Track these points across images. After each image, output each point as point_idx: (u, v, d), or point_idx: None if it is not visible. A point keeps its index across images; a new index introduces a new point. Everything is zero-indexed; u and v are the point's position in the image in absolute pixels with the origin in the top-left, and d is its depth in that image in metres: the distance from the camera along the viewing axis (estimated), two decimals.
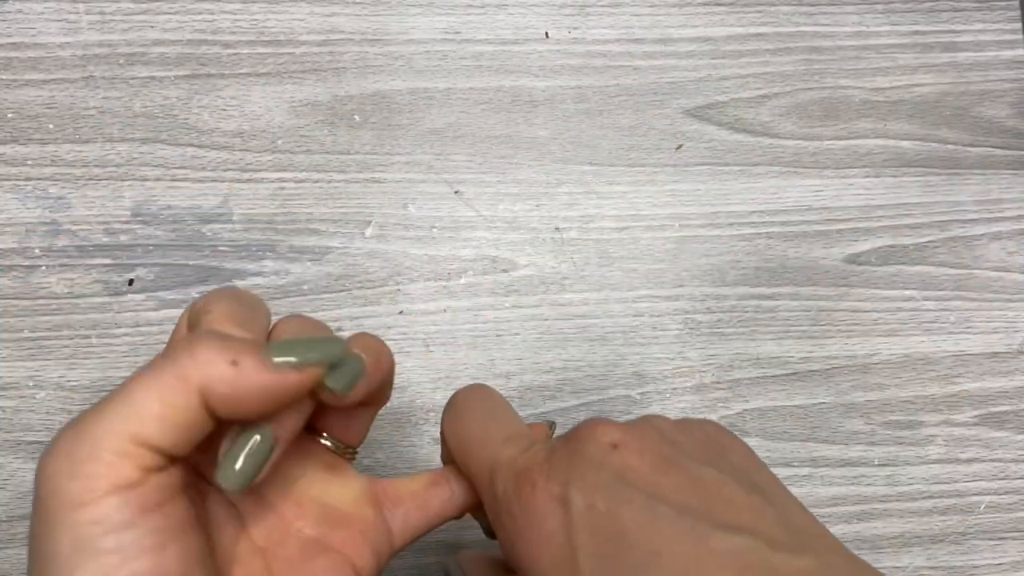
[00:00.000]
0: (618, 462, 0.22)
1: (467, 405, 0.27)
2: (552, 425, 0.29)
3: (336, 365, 0.22)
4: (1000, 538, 0.39)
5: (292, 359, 0.21)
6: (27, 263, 0.37)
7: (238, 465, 0.21)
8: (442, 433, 0.27)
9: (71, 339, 0.36)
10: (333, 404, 0.23)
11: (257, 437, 0.21)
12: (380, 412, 0.37)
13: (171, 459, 0.20)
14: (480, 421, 0.26)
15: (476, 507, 0.27)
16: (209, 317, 0.22)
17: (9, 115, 0.38)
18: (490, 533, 0.26)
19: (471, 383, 0.29)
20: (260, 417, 0.21)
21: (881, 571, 0.22)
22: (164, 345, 0.36)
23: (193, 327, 0.23)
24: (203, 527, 0.22)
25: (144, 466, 0.20)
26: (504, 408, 0.27)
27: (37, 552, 0.19)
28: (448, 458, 0.27)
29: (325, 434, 0.26)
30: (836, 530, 0.38)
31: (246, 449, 0.21)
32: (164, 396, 0.20)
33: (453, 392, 0.28)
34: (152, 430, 0.20)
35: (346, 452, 0.26)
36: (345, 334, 0.38)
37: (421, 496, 0.26)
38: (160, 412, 0.20)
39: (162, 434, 0.20)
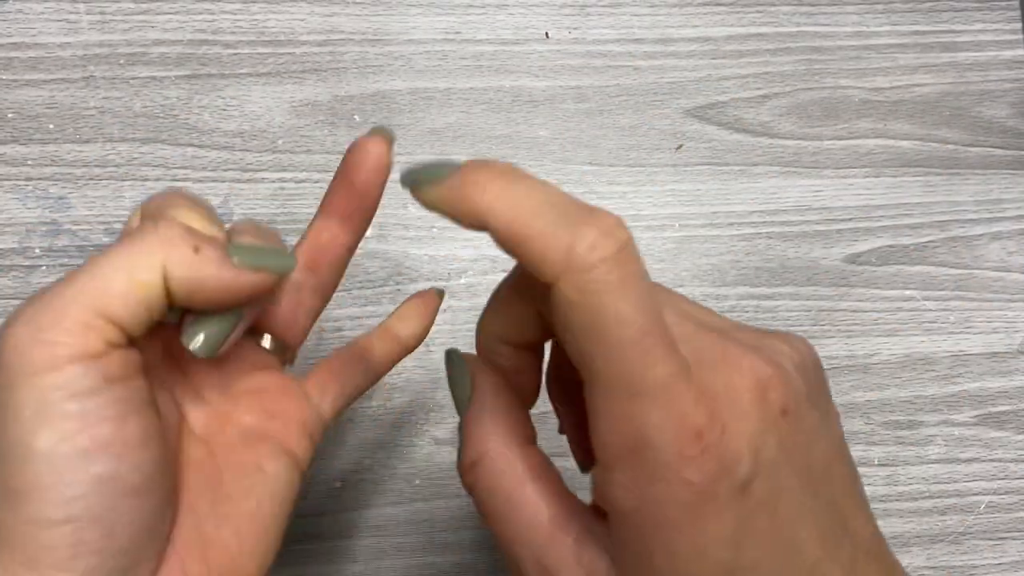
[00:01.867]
0: (785, 436, 0.18)
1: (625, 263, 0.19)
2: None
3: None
4: (1000, 538, 0.39)
5: (250, 261, 0.22)
6: (27, 263, 0.37)
7: (206, 330, 0.22)
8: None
9: None
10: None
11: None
12: (379, 411, 0.37)
13: (130, 338, 0.20)
14: (646, 296, 0.18)
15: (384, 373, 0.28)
16: (171, 212, 0.22)
17: (9, 115, 0.38)
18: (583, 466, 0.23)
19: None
20: (211, 308, 0.22)
21: None
22: None
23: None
24: (156, 410, 0.22)
25: (107, 340, 0.20)
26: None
27: None
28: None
29: (267, 335, 0.26)
30: None
31: (216, 317, 0.22)
32: (131, 272, 0.20)
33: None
34: (117, 305, 0.20)
35: (285, 354, 0.26)
36: (347, 335, 0.38)
37: (341, 378, 0.27)
38: (126, 288, 0.20)
39: (125, 310, 0.20)
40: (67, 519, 0.19)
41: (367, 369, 0.28)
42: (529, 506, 0.20)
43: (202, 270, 0.21)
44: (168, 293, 0.21)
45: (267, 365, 0.26)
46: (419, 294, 0.29)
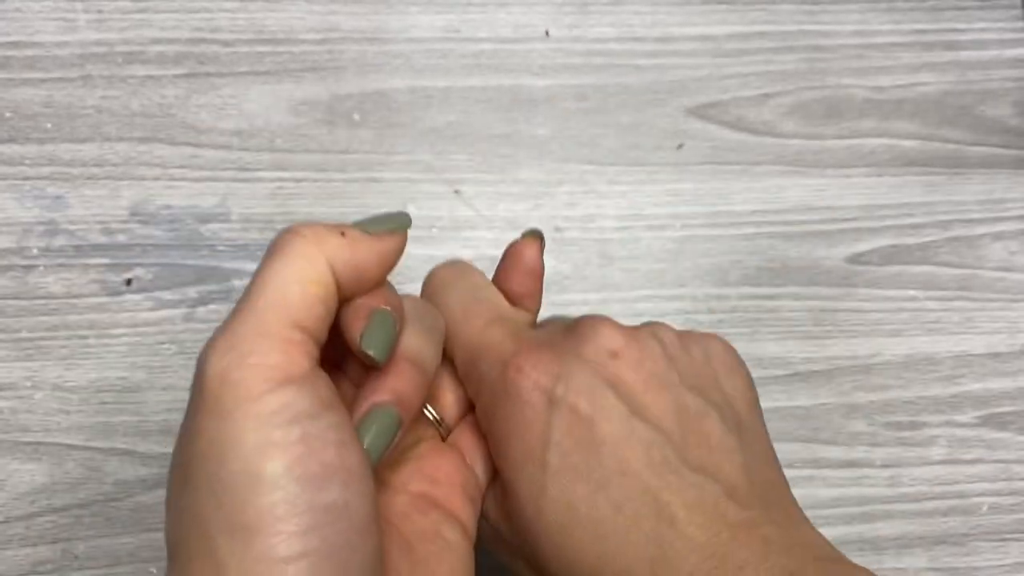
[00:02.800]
0: (612, 372, 0.23)
1: (446, 283, 0.27)
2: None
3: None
4: (1002, 539, 0.39)
5: (383, 227, 0.22)
6: (25, 263, 0.37)
7: (370, 441, 0.21)
8: None
9: (68, 339, 0.36)
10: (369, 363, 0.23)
11: (385, 412, 0.21)
12: None
13: (318, 345, 0.20)
14: (462, 300, 0.26)
15: None
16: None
17: (7, 114, 0.38)
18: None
19: (449, 259, 0.28)
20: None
21: (827, 540, 0.23)
22: (162, 345, 0.36)
23: None
24: None
25: (310, 353, 0.20)
26: (486, 287, 0.27)
27: (214, 451, 0.18)
28: None
29: (428, 406, 0.26)
30: (838, 531, 0.38)
31: (377, 423, 0.21)
32: (303, 277, 0.20)
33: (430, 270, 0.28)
34: (303, 312, 0.20)
35: (441, 427, 0.26)
36: None
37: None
38: (302, 292, 0.20)
39: (310, 313, 0.20)
40: (302, 554, 0.17)
41: None
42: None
43: (357, 249, 0.21)
44: (337, 282, 0.21)
45: (423, 431, 0.25)
46: None
